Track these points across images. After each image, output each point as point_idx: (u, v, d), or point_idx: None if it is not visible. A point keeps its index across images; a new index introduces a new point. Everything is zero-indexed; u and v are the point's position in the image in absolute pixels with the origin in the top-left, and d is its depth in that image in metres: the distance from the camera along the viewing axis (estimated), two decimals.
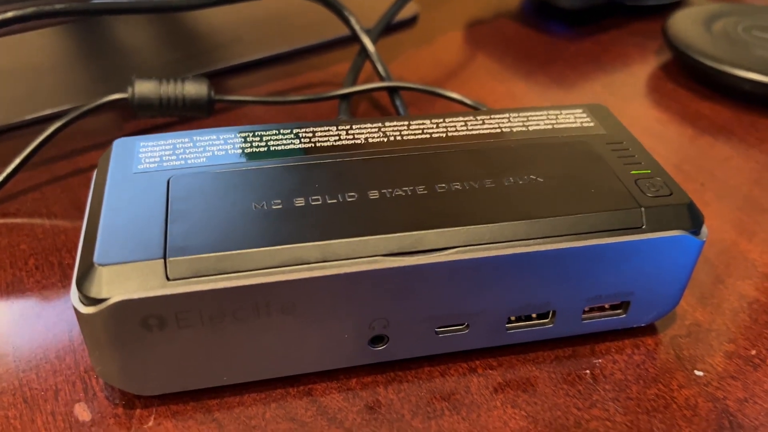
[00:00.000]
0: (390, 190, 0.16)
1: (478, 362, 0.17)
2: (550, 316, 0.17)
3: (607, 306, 0.17)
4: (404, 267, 0.15)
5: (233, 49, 0.31)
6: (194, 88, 0.24)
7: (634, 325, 0.18)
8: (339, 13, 0.29)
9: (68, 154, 0.24)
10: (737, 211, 0.23)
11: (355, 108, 0.28)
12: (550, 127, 0.19)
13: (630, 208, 0.16)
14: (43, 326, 0.18)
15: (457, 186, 0.16)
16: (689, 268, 0.17)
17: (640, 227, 0.16)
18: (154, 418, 0.16)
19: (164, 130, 0.26)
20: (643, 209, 0.16)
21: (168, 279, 0.14)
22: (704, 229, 0.17)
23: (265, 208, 0.15)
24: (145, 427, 0.15)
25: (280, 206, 0.15)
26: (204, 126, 0.26)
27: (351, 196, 0.16)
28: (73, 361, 0.17)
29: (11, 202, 0.22)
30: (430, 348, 0.17)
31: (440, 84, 0.30)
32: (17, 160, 0.22)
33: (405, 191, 0.16)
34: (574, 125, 0.19)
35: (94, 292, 0.14)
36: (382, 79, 0.27)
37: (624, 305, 0.17)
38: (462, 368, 0.17)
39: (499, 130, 0.19)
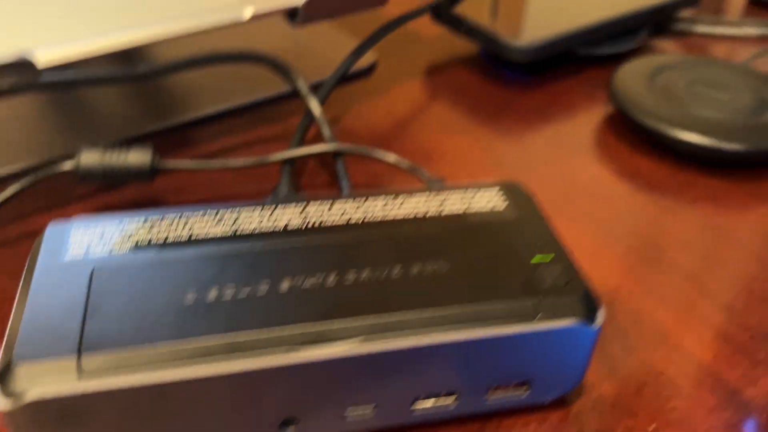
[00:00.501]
0: (301, 280, 0.17)
1: None
2: (454, 397, 0.18)
3: (510, 386, 0.18)
4: (309, 360, 0.16)
5: (188, 103, 0.32)
6: (137, 158, 0.25)
7: (538, 402, 0.19)
8: (286, 75, 0.30)
9: (19, 216, 0.25)
10: (660, 275, 0.24)
11: (303, 166, 0.29)
12: (462, 211, 0.20)
13: (523, 298, 0.17)
14: None
15: (366, 275, 0.18)
16: (586, 352, 0.18)
17: (533, 317, 0.17)
18: None
19: (113, 192, 0.27)
20: (535, 301, 0.17)
21: (80, 376, 0.15)
22: (600, 315, 0.18)
23: (179, 301, 0.16)
24: None
25: (193, 299, 0.17)
26: (153, 186, 0.27)
27: (263, 288, 0.17)
28: None
29: None
30: (339, 429, 0.18)
31: (389, 137, 0.31)
32: None
33: (316, 281, 0.17)
34: (486, 209, 0.20)
35: (11, 389, 0.15)
36: (325, 141, 0.28)
37: (526, 385, 0.18)
38: None
39: (413, 215, 0.20)
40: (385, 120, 0.32)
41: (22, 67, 0.23)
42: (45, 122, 0.31)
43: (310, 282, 0.17)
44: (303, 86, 0.29)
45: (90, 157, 0.24)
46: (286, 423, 0.17)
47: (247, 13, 0.28)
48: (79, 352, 0.15)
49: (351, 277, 0.17)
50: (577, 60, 0.37)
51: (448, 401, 0.18)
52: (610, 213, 0.27)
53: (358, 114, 0.33)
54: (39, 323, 0.16)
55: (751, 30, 0.40)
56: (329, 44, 0.37)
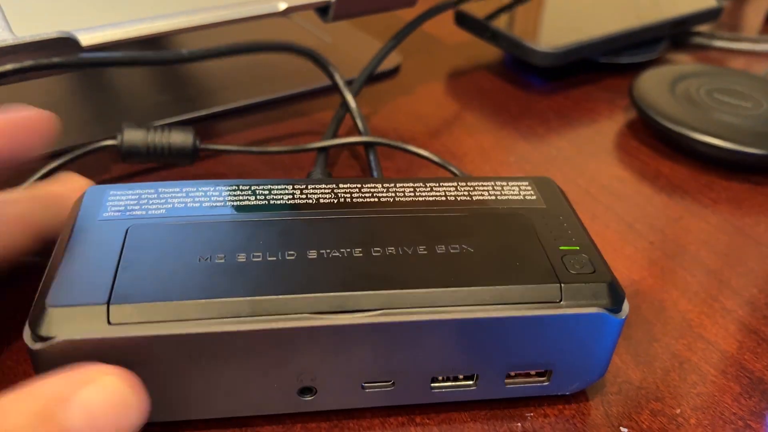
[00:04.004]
0: (328, 251, 0.18)
1: (417, 412, 0.19)
2: (474, 379, 0.18)
3: (532, 373, 0.18)
4: (329, 326, 0.16)
5: (221, 94, 0.33)
6: (180, 137, 0.26)
7: (558, 393, 0.19)
8: (324, 68, 0.31)
9: None
10: (682, 271, 0.24)
11: (335, 158, 0.30)
12: (493, 198, 0.20)
13: (549, 282, 0.17)
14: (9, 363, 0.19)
15: (392, 251, 0.18)
16: (609, 343, 0.18)
17: (558, 302, 0.17)
18: None
19: (150, 174, 0.28)
20: (561, 285, 0.17)
21: (109, 323, 0.15)
22: (625, 306, 0.18)
23: (209, 261, 0.17)
24: None
25: (222, 260, 0.17)
26: (189, 171, 0.28)
27: (290, 255, 0.17)
28: None
29: None
30: (358, 402, 0.18)
31: (415, 136, 0.31)
32: None
33: (342, 253, 0.18)
34: (516, 197, 0.20)
35: (43, 331, 0.15)
36: (360, 133, 0.29)
37: (547, 374, 0.18)
38: (402, 419, 0.18)
39: (444, 198, 0.20)
40: (409, 119, 0.33)
41: (67, 45, 0.24)
42: (79, 109, 0.31)
43: (336, 253, 0.17)
44: (339, 80, 0.30)
45: (133, 135, 0.25)
46: (305, 391, 0.17)
47: (282, 5, 0.29)
48: (109, 301, 0.16)
49: (376, 251, 0.18)
50: (596, 68, 0.38)
51: (468, 383, 0.18)
52: (632, 211, 0.27)
53: (383, 113, 0.33)
54: (73, 274, 0.16)
55: None
56: (353, 44, 0.38)
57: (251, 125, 0.31)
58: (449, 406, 0.19)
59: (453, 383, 0.18)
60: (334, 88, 0.34)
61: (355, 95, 0.31)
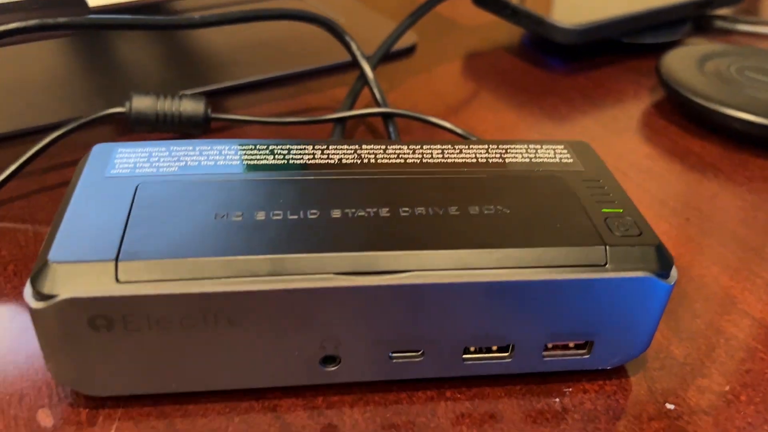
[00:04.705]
0: (353, 210, 0.16)
1: (447, 386, 0.17)
2: (510, 350, 0.17)
3: (571, 345, 0.17)
4: (355, 287, 0.15)
5: (233, 69, 0.31)
6: (191, 106, 0.25)
7: (599, 368, 0.17)
8: (340, 38, 0.29)
9: (59, 165, 0.25)
10: (721, 247, 0.23)
11: (351, 132, 0.28)
12: (527, 160, 0.19)
13: (594, 244, 0.16)
14: (15, 331, 0.18)
15: (421, 211, 0.16)
16: (656, 311, 0.17)
17: (603, 265, 0.16)
18: (116, 428, 0.16)
19: None
20: (607, 247, 0.16)
21: (117, 281, 0.14)
22: (673, 272, 0.16)
23: (226, 219, 0.16)
24: None
25: (240, 218, 0.16)
26: None
27: (313, 214, 0.16)
28: (41, 366, 0.17)
29: None
30: (384, 373, 0.16)
31: (434, 112, 0.30)
32: (11, 168, 0.23)
33: (368, 212, 0.16)
34: (552, 160, 0.19)
35: (46, 288, 0.14)
36: (378, 105, 0.27)
37: (588, 345, 0.17)
38: (430, 392, 0.17)
39: (474, 160, 0.19)
40: (427, 96, 0.32)
41: (74, 5, 0.23)
42: (86, 81, 0.30)
43: (361, 212, 0.16)
44: (357, 50, 0.28)
45: (143, 101, 0.24)
46: (328, 360, 0.16)
47: None
48: (117, 257, 0.14)
49: (405, 211, 0.16)
50: (617, 50, 0.37)
51: (503, 354, 0.17)
52: (664, 188, 0.26)
53: (401, 90, 0.32)
54: (78, 230, 0.15)
55: None
56: (367, 25, 0.37)
57: (263, 101, 0.30)
58: (482, 380, 0.17)
59: (487, 354, 0.17)
60: (348, 66, 0.33)
61: (373, 69, 0.29)
